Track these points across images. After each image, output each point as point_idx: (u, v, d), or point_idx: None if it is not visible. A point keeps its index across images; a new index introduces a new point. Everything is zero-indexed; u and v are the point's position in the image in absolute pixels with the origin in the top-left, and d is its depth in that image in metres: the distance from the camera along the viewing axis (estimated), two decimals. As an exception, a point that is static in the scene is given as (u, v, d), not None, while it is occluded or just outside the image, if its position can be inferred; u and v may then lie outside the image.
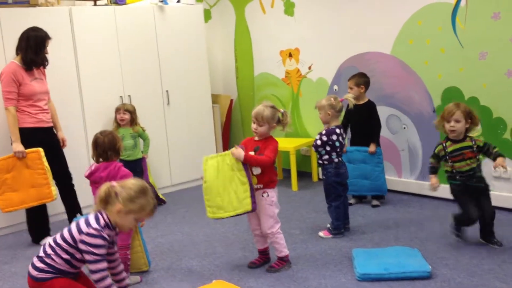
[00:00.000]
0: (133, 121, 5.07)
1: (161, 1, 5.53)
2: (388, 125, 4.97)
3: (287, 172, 5.65)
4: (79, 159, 4.82)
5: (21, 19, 4.46)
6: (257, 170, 3.35)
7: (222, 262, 3.65)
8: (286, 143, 5.56)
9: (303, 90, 5.82)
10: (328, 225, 4.03)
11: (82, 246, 2.42)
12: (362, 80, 4.57)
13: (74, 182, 4.43)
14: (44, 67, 4.30)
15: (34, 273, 2.45)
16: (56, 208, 4.60)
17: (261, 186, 3.37)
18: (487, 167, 3.88)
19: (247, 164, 3.28)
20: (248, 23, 6.28)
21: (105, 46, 5.12)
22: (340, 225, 3.98)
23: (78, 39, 4.93)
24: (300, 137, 5.88)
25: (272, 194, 3.38)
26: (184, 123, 5.77)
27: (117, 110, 5.05)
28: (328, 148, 3.89)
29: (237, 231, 4.24)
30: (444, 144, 3.54)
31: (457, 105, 3.48)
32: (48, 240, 2.58)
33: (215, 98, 6.32)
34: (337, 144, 3.88)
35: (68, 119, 4.76)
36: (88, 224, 2.45)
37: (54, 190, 4.08)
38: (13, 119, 4.06)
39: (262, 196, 3.37)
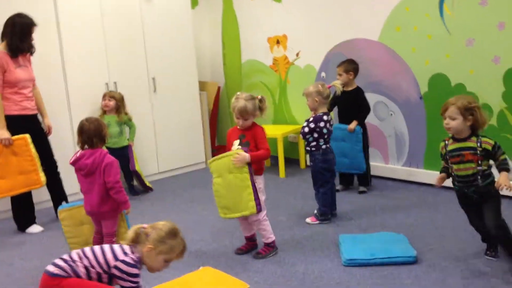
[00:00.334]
0: (118, 109, 5.03)
1: (147, -13, 5.46)
2: (375, 112, 4.97)
3: (274, 159, 5.64)
4: (65, 146, 4.78)
5: (4, 2, 4.38)
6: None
7: (210, 249, 3.65)
8: (274, 130, 5.55)
9: (290, 77, 5.80)
10: (315, 211, 4.04)
11: (116, 272, 2.40)
12: (351, 66, 4.56)
13: (59, 169, 4.40)
14: (31, 54, 4.23)
15: (52, 268, 2.41)
16: (42, 196, 4.56)
17: (249, 173, 3.37)
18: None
19: (251, 163, 3.28)
20: (235, 10, 6.22)
21: (90, 32, 5.04)
22: (327, 211, 3.99)
23: (63, 25, 4.84)
24: (287, 124, 5.88)
25: (258, 181, 3.39)
26: (171, 111, 5.73)
27: (103, 96, 5.03)
28: (315, 135, 3.89)
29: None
30: (446, 142, 3.05)
31: (456, 99, 2.93)
32: (76, 250, 2.51)
33: (202, 85, 6.28)
34: (324, 131, 3.88)
35: (53, 105, 4.69)
36: (124, 252, 2.43)
37: (43, 176, 4.05)
38: (-2, 105, 4.00)
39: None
